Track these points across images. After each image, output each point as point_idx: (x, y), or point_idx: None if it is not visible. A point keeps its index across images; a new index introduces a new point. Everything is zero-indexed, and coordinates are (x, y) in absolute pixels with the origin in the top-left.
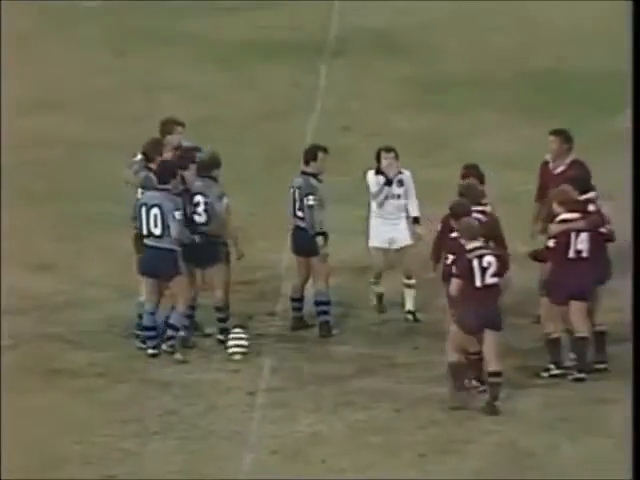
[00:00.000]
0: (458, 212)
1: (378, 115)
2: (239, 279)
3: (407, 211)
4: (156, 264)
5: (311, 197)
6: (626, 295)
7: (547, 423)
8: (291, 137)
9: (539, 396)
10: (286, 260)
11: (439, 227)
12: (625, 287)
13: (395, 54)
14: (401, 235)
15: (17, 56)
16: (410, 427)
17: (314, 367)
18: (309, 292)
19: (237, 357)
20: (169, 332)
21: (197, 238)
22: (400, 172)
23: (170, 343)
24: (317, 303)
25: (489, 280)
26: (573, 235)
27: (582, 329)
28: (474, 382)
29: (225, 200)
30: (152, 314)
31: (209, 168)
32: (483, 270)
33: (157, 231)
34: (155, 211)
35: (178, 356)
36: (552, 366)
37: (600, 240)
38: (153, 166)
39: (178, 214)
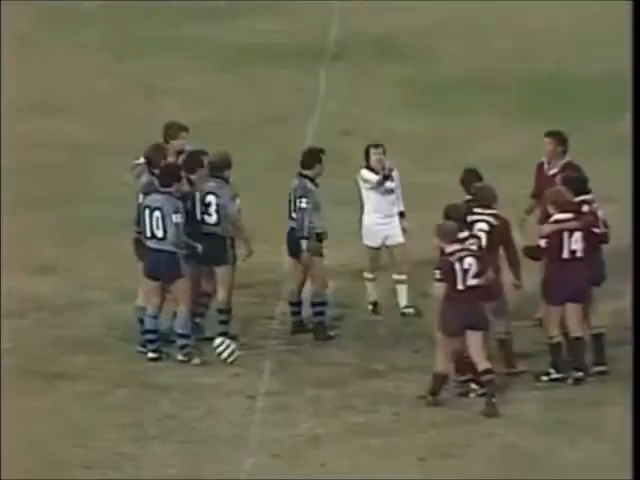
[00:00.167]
0: (452, 215)
1: (378, 119)
2: (239, 282)
3: (398, 206)
4: (158, 266)
5: (304, 200)
6: (626, 298)
7: (547, 426)
8: (291, 141)
9: (539, 399)
10: (286, 263)
11: None
12: (625, 290)
13: (395, 58)
14: (394, 232)
15: (17, 59)
16: (410, 430)
17: (314, 370)
18: (307, 295)
19: (232, 359)
20: (180, 341)
21: (199, 248)
22: (391, 169)
23: (185, 352)
24: (313, 304)
25: (470, 282)
26: (566, 235)
27: (577, 330)
28: (473, 385)
29: (237, 201)
30: (155, 317)
31: (221, 168)
32: (464, 272)
33: (159, 233)
34: (157, 214)
35: (196, 361)
36: (552, 370)
37: (594, 241)
38: (157, 171)
39: (176, 217)
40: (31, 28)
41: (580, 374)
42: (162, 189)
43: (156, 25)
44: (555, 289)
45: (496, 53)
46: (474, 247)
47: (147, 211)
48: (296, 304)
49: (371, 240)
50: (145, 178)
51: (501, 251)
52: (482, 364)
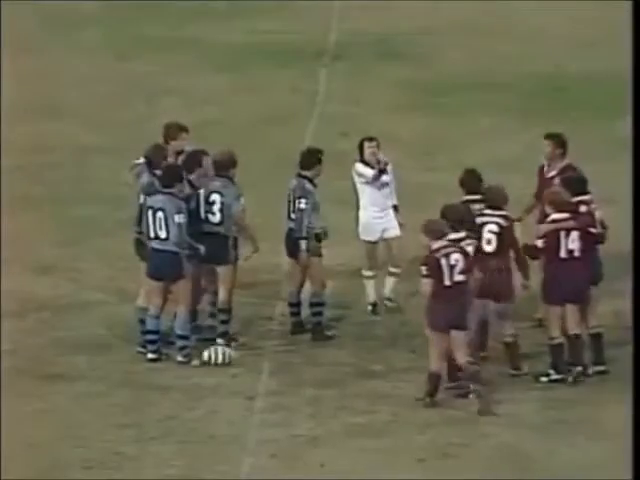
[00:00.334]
0: (448, 216)
1: (378, 119)
2: (238, 282)
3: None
4: (161, 267)
5: (303, 200)
6: (626, 298)
7: (545, 426)
8: (291, 141)
9: (537, 399)
10: (286, 264)
11: None
12: (624, 290)
13: (395, 59)
14: (391, 224)
15: (17, 61)
16: (408, 431)
17: (313, 371)
18: (306, 295)
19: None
20: (180, 343)
21: (202, 249)
22: (386, 162)
23: (184, 353)
24: (311, 305)
25: (457, 277)
26: (563, 235)
27: (575, 328)
28: (472, 386)
29: (242, 200)
30: (156, 318)
31: (226, 168)
32: (451, 268)
33: (163, 234)
34: (160, 214)
35: (196, 362)
36: (552, 371)
37: (590, 241)
38: (159, 172)
39: (178, 217)
40: (31, 29)
41: (579, 369)
42: (164, 190)
43: (156, 26)
44: (554, 289)
45: (496, 54)
46: (470, 248)
47: (150, 212)
48: (295, 305)
49: (369, 235)
50: (146, 178)
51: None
52: (462, 360)
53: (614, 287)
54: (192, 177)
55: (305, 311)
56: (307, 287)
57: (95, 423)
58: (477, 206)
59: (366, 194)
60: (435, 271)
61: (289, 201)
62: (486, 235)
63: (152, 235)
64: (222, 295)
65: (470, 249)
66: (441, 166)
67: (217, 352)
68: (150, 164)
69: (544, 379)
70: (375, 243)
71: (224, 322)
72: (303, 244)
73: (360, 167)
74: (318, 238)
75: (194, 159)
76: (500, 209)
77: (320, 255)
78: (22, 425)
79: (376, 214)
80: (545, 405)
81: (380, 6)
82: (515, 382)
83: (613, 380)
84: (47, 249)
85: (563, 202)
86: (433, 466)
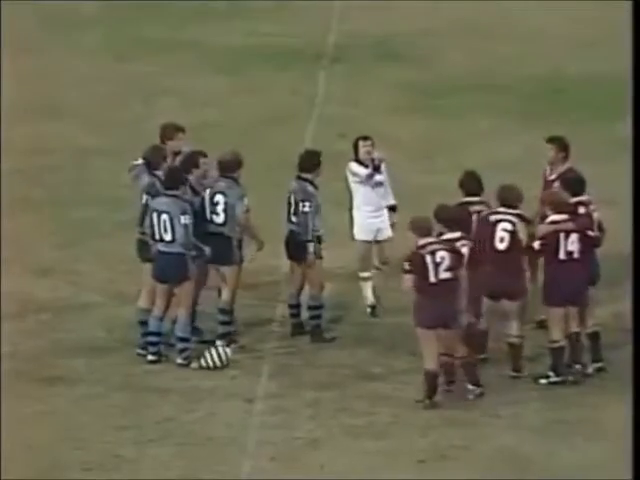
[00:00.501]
0: (440, 216)
1: (377, 121)
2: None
3: (385, 200)
4: (167, 269)
5: (307, 203)
6: (626, 300)
7: (546, 428)
8: (291, 143)
9: (537, 401)
10: (285, 265)
11: None
12: (624, 292)
13: (394, 60)
14: (384, 225)
15: (17, 61)
16: (408, 433)
17: (312, 373)
18: (306, 298)
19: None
20: (180, 345)
21: (207, 250)
22: (381, 160)
23: (184, 355)
24: (309, 308)
25: (443, 275)
26: (562, 236)
27: (574, 326)
28: (469, 386)
29: (245, 201)
30: (160, 320)
31: (231, 168)
32: (436, 265)
33: (167, 236)
34: (165, 217)
35: (194, 365)
36: (551, 373)
37: (589, 242)
38: (159, 173)
39: (184, 218)
40: (31, 30)
41: (579, 366)
42: (168, 192)
43: (156, 27)
44: (553, 290)
45: (495, 55)
46: (465, 249)
47: (154, 214)
48: (295, 306)
49: (365, 234)
50: (147, 179)
51: None
52: (443, 358)
53: (614, 289)
54: (190, 178)
55: (305, 313)
56: (307, 289)
57: (94, 425)
58: (476, 207)
59: (360, 194)
60: (419, 268)
61: (289, 203)
62: (499, 233)
63: (157, 237)
64: (225, 295)
65: (465, 250)
66: (440, 168)
67: (212, 356)
68: (149, 165)
69: (543, 381)
70: (370, 243)
71: (224, 323)
72: (310, 247)
73: (354, 166)
74: (319, 240)
75: (191, 160)
76: (515, 207)
77: (321, 257)
78: (21, 427)
79: (370, 214)
80: (545, 407)
81: (379, 8)
82: (515, 384)
83: (612, 382)
84: (46, 251)
85: (562, 203)
86: (433, 468)
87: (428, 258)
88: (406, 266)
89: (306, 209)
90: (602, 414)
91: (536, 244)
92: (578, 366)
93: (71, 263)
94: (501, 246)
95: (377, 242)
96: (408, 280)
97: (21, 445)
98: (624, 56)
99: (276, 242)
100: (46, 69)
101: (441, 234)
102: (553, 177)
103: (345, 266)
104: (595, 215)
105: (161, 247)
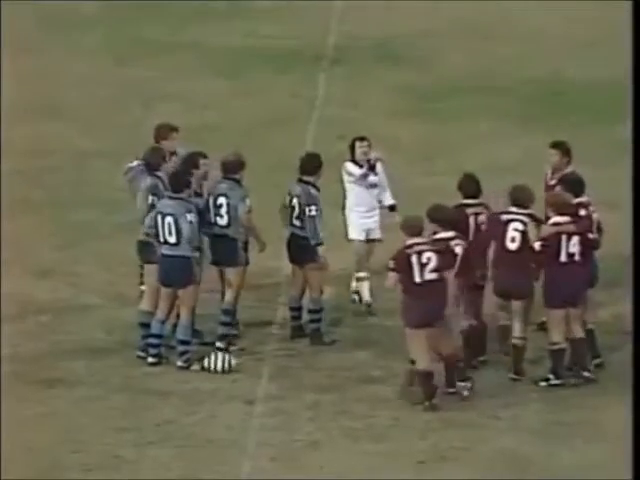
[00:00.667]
0: (433, 216)
1: (377, 123)
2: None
3: (379, 201)
4: (171, 272)
5: (313, 207)
6: (625, 302)
7: (545, 430)
8: (291, 145)
9: (537, 403)
10: (285, 268)
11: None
12: (624, 295)
13: (394, 62)
14: (376, 226)
15: (17, 62)
16: (408, 435)
17: (312, 375)
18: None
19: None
20: (181, 348)
21: (205, 253)
22: (376, 160)
23: (184, 358)
24: (309, 311)
25: (428, 276)
26: (564, 238)
27: (578, 331)
28: (459, 384)
29: (247, 201)
30: (162, 322)
31: (234, 170)
32: (422, 266)
33: (172, 239)
34: (169, 219)
35: (195, 367)
36: (551, 376)
37: (589, 244)
38: (160, 174)
39: (190, 216)
40: (31, 31)
41: (587, 374)
42: (173, 195)
43: (155, 29)
44: (554, 292)
45: (495, 57)
46: (458, 248)
47: (159, 217)
48: (296, 309)
49: (358, 234)
50: (149, 180)
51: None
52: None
53: (614, 291)
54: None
55: (306, 316)
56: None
57: (94, 427)
58: (474, 209)
59: (353, 193)
60: (403, 267)
61: (291, 207)
62: (510, 233)
63: (161, 240)
64: (229, 296)
65: (458, 249)
66: (440, 170)
67: (217, 359)
68: (149, 166)
69: (543, 384)
70: (361, 242)
71: (225, 324)
72: (320, 250)
73: (350, 166)
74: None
75: (191, 161)
76: (526, 208)
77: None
78: (21, 428)
79: (362, 214)
80: (544, 408)
81: (379, 9)
82: (514, 386)
83: (612, 383)
84: (46, 253)
85: (564, 204)
86: (433, 469)
87: (414, 258)
88: (391, 264)
89: (313, 213)
90: (602, 416)
91: (537, 245)
92: (587, 373)
93: (71, 265)
94: (512, 246)
95: (368, 241)
96: (392, 278)
97: (21, 447)
98: (624, 59)
99: (277, 244)
100: (46, 70)
101: (434, 233)
102: (554, 182)
103: (345, 268)
104: (594, 216)
105: (165, 250)
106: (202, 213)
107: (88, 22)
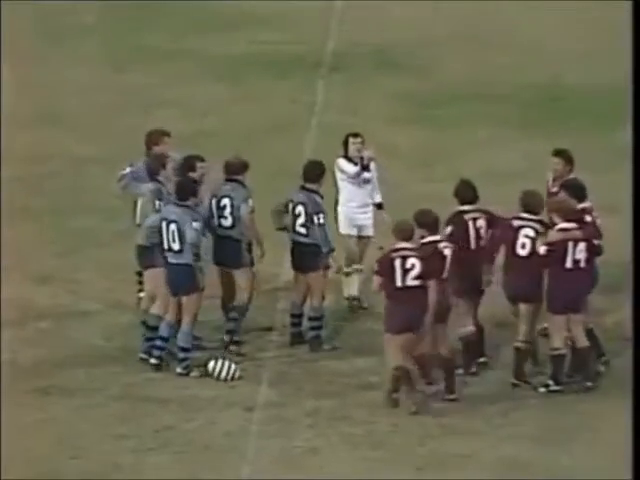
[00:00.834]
0: (420, 220)
1: (375, 130)
2: None
3: (372, 197)
4: (175, 280)
5: (321, 215)
6: (626, 308)
7: (545, 436)
8: (290, 152)
9: (538, 409)
10: (285, 274)
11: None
12: (624, 300)
13: (393, 69)
14: (368, 223)
15: (16, 71)
16: (408, 441)
17: (312, 382)
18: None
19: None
20: (181, 354)
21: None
22: (370, 159)
23: (184, 365)
24: (310, 318)
25: (410, 282)
26: (571, 244)
27: (583, 340)
28: (425, 385)
29: (250, 202)
30: (171, 326)
31: (236, 171)
32: (405, 271)
33: (176, 246)
34: (173, 227)
35: (195, 373)
36: (551, 382)
37: (594, 251)
38: (161, 179)
39: (196, 224)
40: (30, 41)
41: (588, 383)
42: (179, 202)
43: (154, 37)
44: (558, 298)
45: (494, 64)
46: (447, 251)
47: (164, 223)
48: (297, 316)
49: (349, 229)
50: (150, 186)
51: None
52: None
53: (614, 297)
54: None
55: (306, 323)
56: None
57: (93, 433)
58: (471, 215)
59: (346, 190)
60: (386, 270)
61: (295, 215)
62: (521, 239)
63: (165, 246)
64: (243, 295)
65: (447, 252)
66: (439, 177)
67: (223, 366)
68: (150, 172)
69: (542, 389)
70: (353, 238)
71: (233, 319)
72: (331, 258)
73: (342, 163)
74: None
75: (187, 164)
76: (537, 214)
77: (327, 268)
78: (21, 435)
79: (354, 209)
80: (545, 415)
81: (378, 16)
82: (514, 392)
83: (612, 389)
84: (46, 259)
85: (570, 210)
86: (432, 476)
87: (397, 262)
88: (375, 267)
89: (322, 221)
90: (602, 422)
91: (542, 249)
92: (589, 383)
93: (70, 271)
94: (523, 252)
95: (360, 238)
96: (376, 281)
97: (20, 454)
98: (623, 65)
99: (276, 250)
100: (45, 77)
101: (422, 238)
102: (556, 189)
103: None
104: (597, 222)
105: (170, 258)
106: (207, 220)
107: (87, 29)
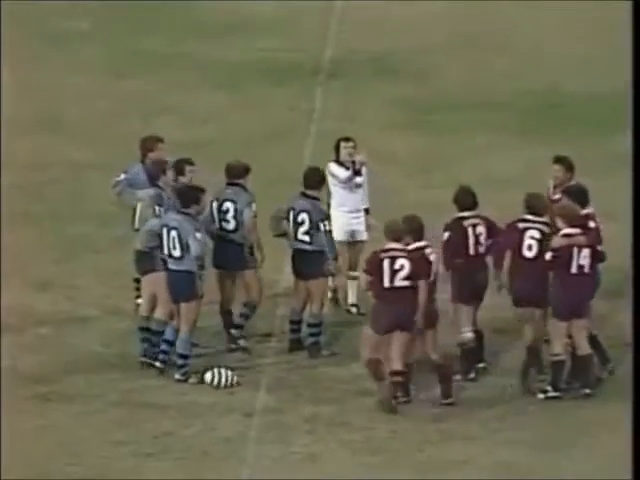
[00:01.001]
0: (406, 227)
1: (374, 137)
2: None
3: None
4: (176, 287)
5: (327, 222)
6: (626, 313)
7: (544, 442)
8: (289, 159)
9: (537, 415)
10: (283, 281)
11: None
12: (624, 306)
13: (391, 76)
14: (360, 228)
15: (16, 77)
16: (407, 447)
17: (311, 388)
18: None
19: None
20: (180, 361)
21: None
22: (362, 164)
23: (182, 371)
24: (309, 325)
25: (399, 282)
26: (575, 250)
27: (586, 347)
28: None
29: (254, 207)
30: (176, 331)
31: (238, 175)
32: (394, 272)
33: (176, 253)
34: (174, 234)
35: (193, 380)
36: (550, 388)
37: (598, 257)
38: (161, 184)
39: (199, 235)
40: (30, 47)
41: (587, 391)
42: (181, 210)
43: (154, 44)
44: (563, 303)
45: (492, 71)
46: (433, 256)
47: (164, 229)
48: (297, 322)
49: (341, 235)
50: (151, 191)
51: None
52: (395, 364)
53: (614, 302)
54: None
55: (305, 329)
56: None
57: (92, 440)
58: (470, 222)
59: (338, 195)
60: (374, 270)
61: (298, 222)
62: (527, 241)
63: (165, 252)
64: (253, 294)
65: (433, 257)
66: (438, 183)
67: (220, 375)
68: (150, 177)
69: (541, 396)
70: (345, 244)
71: (245, 316)
72: (334, 264)
73: (334, 167)
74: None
75: (177, 167)
76: (541, 215)
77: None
78: (20, 441)
79: (346, 214)
80: (544, 421)
81: (376, 23)
82: (513, 398)
83: (611, 396)
84: (45, 265)
85: (575, 216)
86: None
87: (386, 262)
88: (364, 266)
89: (328, 227)
90: (601, 427)
91: (548, 256)
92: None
93: (69, 278)
94: (529, 254)
95: (353, 243)
96: (363, 279)
97: (19, 460)
98: (621, 71)
99: (275, 256)
100: (44, 83)
101: (407, 244)
102: (557, 196)
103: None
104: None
105: (170, 265)
106: (206, 224)
107: (87, 35)
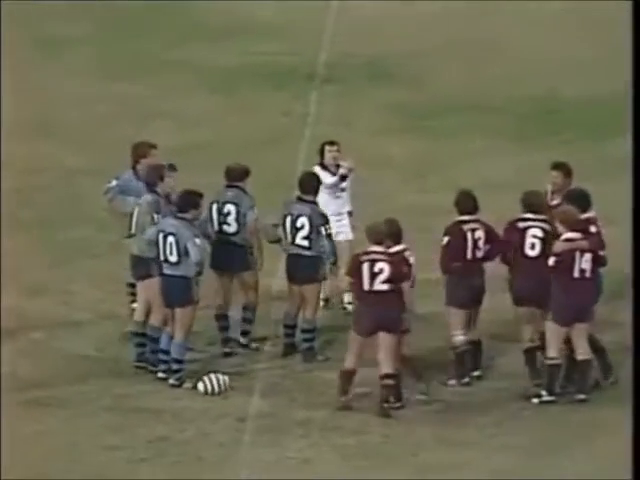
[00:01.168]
0: (385, 231)
1: (369, 141)
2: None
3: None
4: (171, 292)
5: (327, 226)
6: (626, 318)
7: (540, 447)
8: (283, 164)
9: (532, 420)
10: (277, 285)
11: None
12: (624, 310)
13: (386, 80)
14: (345, 229)
15: (11, 83)
16: (400, 452)
17: (304, 393)
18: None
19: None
20: (175, 366)
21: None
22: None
23: (177, 376)
24: (302, 330)
25: (378, 286)
26: (578, 254)
27: (586, 352)
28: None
29: (255, 210)
30: (171, 338)
31: (239, 178)
32: (373, 275)
33: (173, 258)
34: (171, 239)
35: (187, 385)
36: (544, 392)
37: (598, 262)
38: (159, 190)
39: (197, 241)
40: (25, 52)
41: (582, 396)
42: (178, 214)
43: (150, 47)
44: (564, 307)
45: (489, 76)
46: (412, 259)
47: (161, 235)
48: (291, 327)
49: None
50: (148, 197)
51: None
52: (385, 367)
53: (613, 307)
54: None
55: (299, 334)
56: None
57: (86, 445)
58: (469, 226)
59: (321, 199)
60: (354, 272)
61: (296, 227)
62: (529, 240)
63: (161, 258)
64: (251, 295)
65: (412, 260)
66: (433, 187)
67: (212, 382)
68: (147, 184)
69: (535, 400)
70: None
71: (249, 320)
72: (332, 269)
73: (318, 172)
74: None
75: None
76: (541, 213)
77: (325, 279)
78: (14, 447)
79: (329, 217)
80: (539, 426)
81: (371, 28)
82: (507, 402)
83: (607, 400)
84: (39, 270)
85: (576, 220)
86: None
87: (365, 266)
88: (346, 268)
89: (330, 231)
90: (597, 432)
91: (551, 260)
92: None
93: (63, 283)
94: (532, 253)
95: (338, 243)
96: (344, 282)
97: (14, 465)
98: (621, 72)
99: (269, 261)
100: (40, 88)
101: (388, 247)
102: (556, 202)
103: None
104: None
105: (166, 270)
106: (203, 226)
107: (83, 39)
